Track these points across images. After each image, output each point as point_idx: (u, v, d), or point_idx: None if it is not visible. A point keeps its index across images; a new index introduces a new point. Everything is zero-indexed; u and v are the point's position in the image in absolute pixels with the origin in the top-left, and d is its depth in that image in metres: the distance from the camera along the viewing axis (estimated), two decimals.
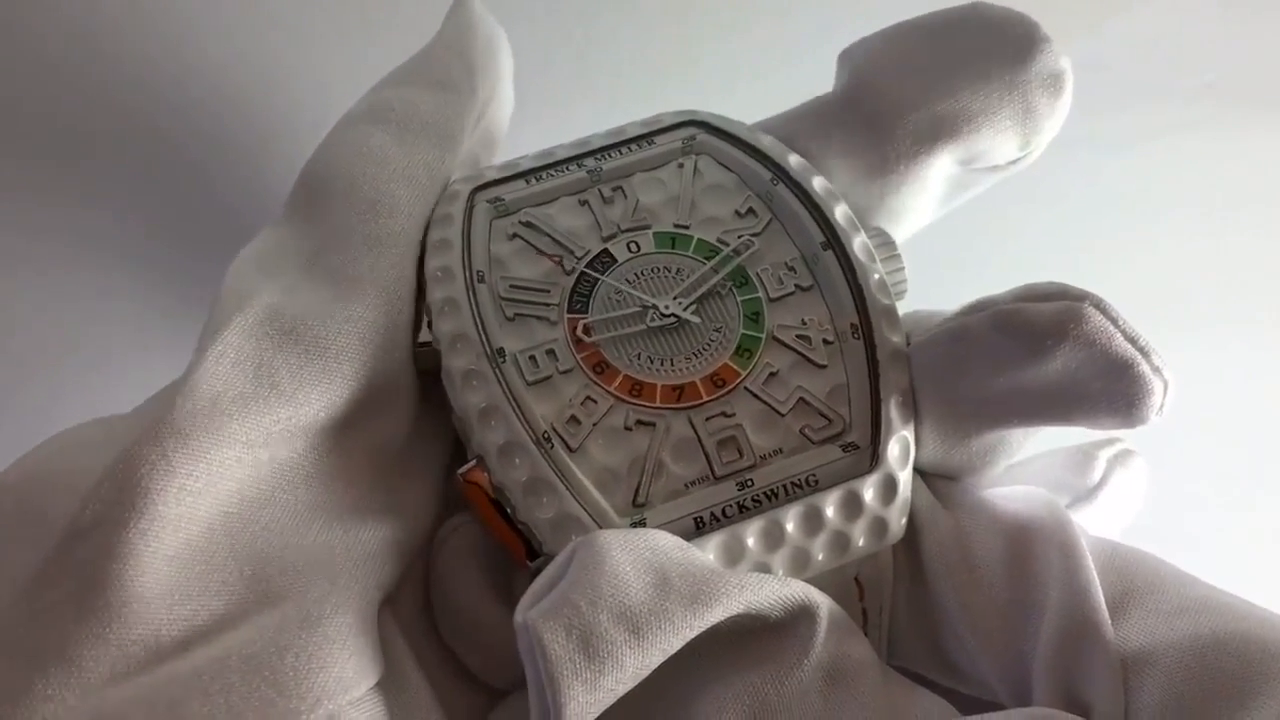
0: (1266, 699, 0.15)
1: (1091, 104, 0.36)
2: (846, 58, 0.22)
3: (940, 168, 0.21)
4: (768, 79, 0.24)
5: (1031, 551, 0.18)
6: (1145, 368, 0.16)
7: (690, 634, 0.15)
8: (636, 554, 0.16)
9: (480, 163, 0.22)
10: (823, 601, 0.17)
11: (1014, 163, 0.22)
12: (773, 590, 0.16)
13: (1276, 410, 0.35)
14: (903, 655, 0.19)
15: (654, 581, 0.15)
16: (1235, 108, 0.36)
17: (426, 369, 0.19)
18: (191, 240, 0.29)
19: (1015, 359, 0.17)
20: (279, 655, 0.15)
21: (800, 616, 0.17)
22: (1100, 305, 0.16)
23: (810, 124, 0.21)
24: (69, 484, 0.16)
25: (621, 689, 0.15)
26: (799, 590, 0.17)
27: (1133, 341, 0.16)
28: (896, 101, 0.20)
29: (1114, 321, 0.16)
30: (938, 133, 0.20)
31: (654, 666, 0.15)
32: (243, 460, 0.16)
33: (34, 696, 0.14)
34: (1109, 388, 0.16)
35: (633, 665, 0.15)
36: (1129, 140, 0.36)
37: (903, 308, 0.21)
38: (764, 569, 0.17)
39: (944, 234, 0.34)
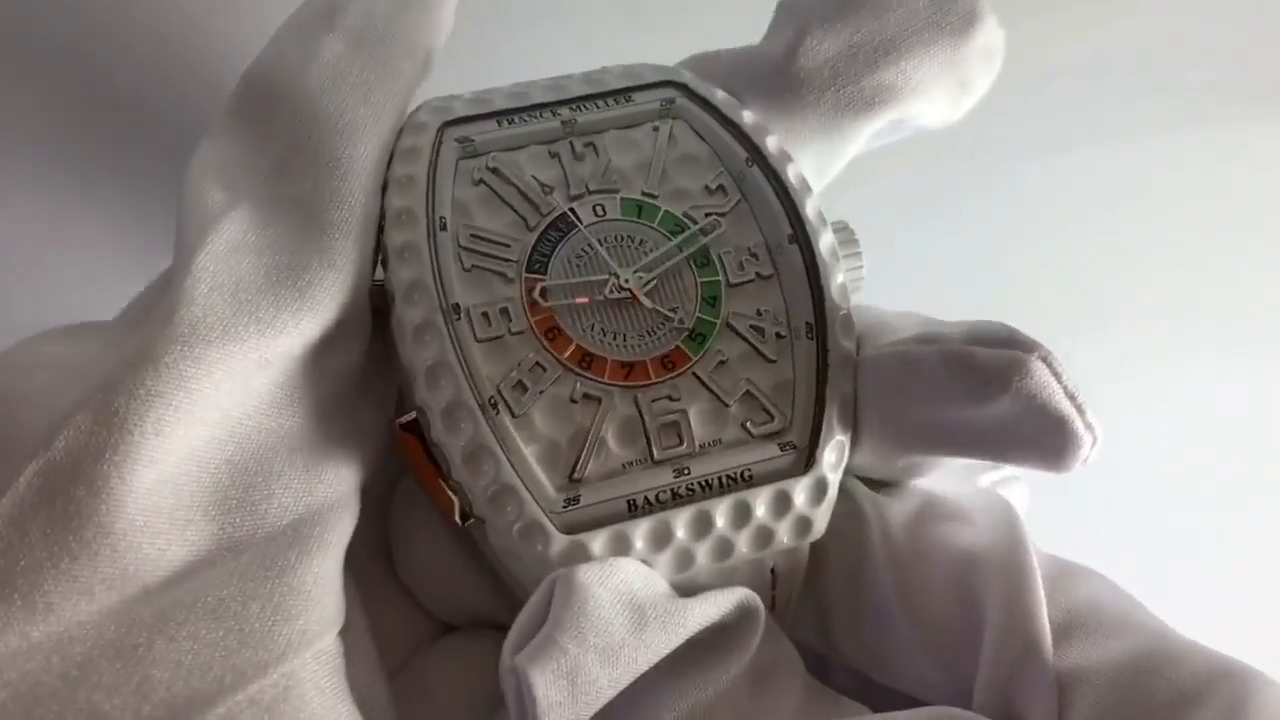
0: None
1: (1091, 104, 0.36)
2: (788, 13, 0.22)
3: (873, 127, 0.21)
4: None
5: (981, 566, 0.18)
6: (1079, 425, 0.16)
7: (659, 657, 0.16)
8: (614, 590, 0.16)
9: (429, 62, 0.20)
10: (761, 606, 0.18)
11: (940, 121, 0.22)
12: (727, 600, 0.17)
13: (1278, 409, 0.35)
14: (844, 652, 0.20)
15: (632, 616, 0.16)
16: (1235, 108, 0.36)
17: (377, 308, 0.19)
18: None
19: (957, 398, 0.17)
20: (244, 604, 0.15)
21: (743, 619, 0.18)
22: (1047, 359, 0.17)
23: (747, 77, 0.21)
24: (35, 403, 0.15)
25: (597, 708, 0.16)
26: (743, 595, 0.18)
27: (1071, 398, 0.16)
28: (840, 68, 0.21)
29: (1057, 377, 0.17)
30: (875, 100, 0.21)
31: (625, 685, 0.16)
32: (220, 389, 0.16)
33: None
34: (1042, 439, 0.17)
35: (609, 692, 0.16)
36: (1129, 140, 0.36)
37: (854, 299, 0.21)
38: (687, 555, 0.18)
39: (944, 234, 0.34)
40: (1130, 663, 0.16)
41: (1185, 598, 0.19)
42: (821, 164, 0.22)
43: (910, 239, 0.34)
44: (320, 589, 0.16)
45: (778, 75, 0.21)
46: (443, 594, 0.19)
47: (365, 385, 0.19)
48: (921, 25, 0.21)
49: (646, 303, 0.19)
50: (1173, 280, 0.35)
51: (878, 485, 0.20)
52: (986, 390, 0.17)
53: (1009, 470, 0.22)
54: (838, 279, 0.20)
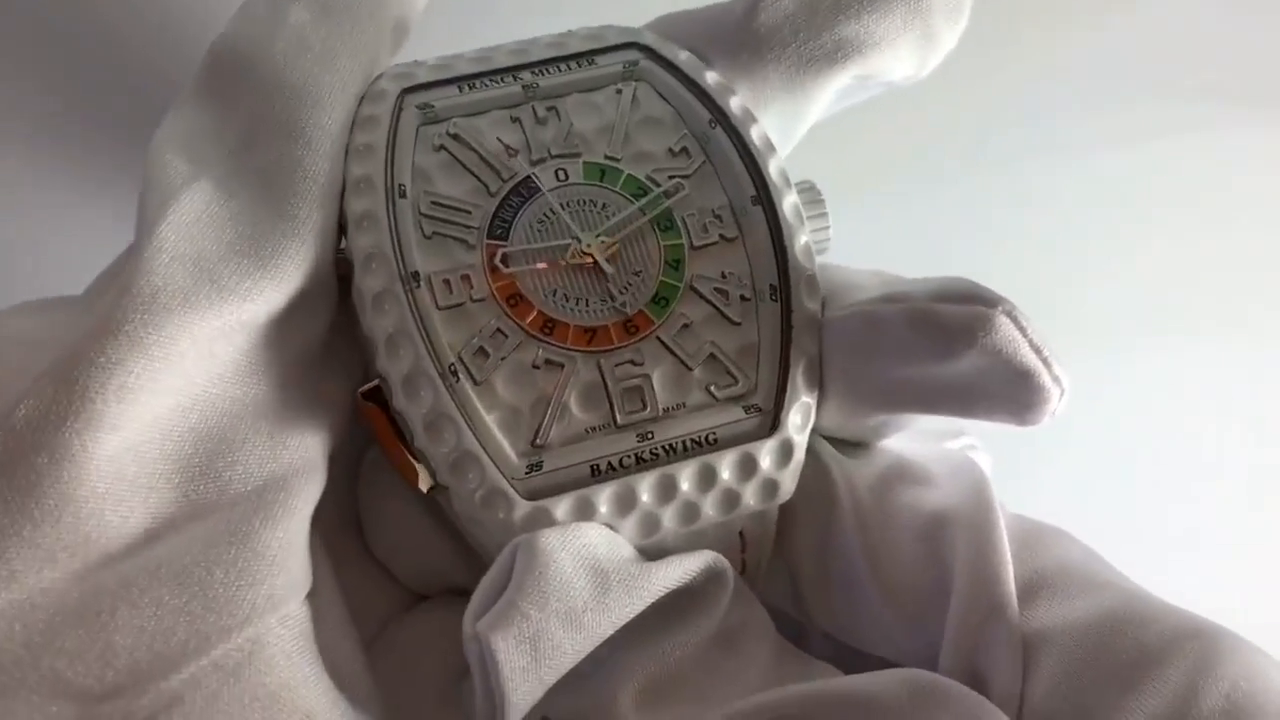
0: (1156, 683, 0.15)
1: (1092, 104, 0.36)
2: None
3: (837, 85, 0.21)
4: None
5: (948, 527, 0.18)
6: (1046, 378, 0.16)
7: (625, 620, 0.16)
8: (577, 554, 0.16)
9: (402, 29, 0.21)
10: (729, 568, 0.18)
11: (907, 78, 0.22)
12: (692, 564, 0.17)
13: (1278, 409, 0.35)
14: (815, 616, 0.20)
15: (595, 580, 0.16)
16: (1235, 108, 0.36)
17: (342, 276, 0.19)
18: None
19: (923, 356, 0.17)
20: (208, 570, 0.15)
21: (710, 581, 0.18)
22: (1011, 314, 0.17)
23: (712, 38, 0.21)
24: (3, 377, 0.15)
25: (562, 673, 0.16)
26: (710, 558, 0.18)
27: (1037, 351, 0.16)
28: (800, 24, 0.20)
29: (1023, 331, 0.16)
30: (837, 55, 0.20)
31: (590, 650, 0.16)
32: (185, 356, 0.16)
33: None
34: (1009, 392, 0.17)
35: (573, 656, 0.16)
36: (1129, 140, 0.36)
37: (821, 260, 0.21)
38: (653, 520, 0.18)
39: (945, 234, 0.34)
40: (1096, 622, 0.16)
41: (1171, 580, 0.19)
42: (785, 124, 0.21)
43: (908, 240, 0.33)
44: (285, 554, 0.16)
45: (740, 33, 0.21)
46: (414, 564, 0.19)
47: (331, 354, 0.19)
48: None
49: (607, 268, 0.19)
50: (1171, 281, 0.35)
51: (845, 446, 0.20)
52: (952, 347, 0.17)
53: (969, 439, 0.22)
54: (801, 240, 0.20)
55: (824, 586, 0.19)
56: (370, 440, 0.19)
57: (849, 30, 0.20)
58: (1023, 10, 0.36)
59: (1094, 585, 0.17)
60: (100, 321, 0.15)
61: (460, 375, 0.18)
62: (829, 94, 0.21)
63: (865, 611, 0.19)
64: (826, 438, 0.20)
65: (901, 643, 0.18)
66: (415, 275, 0.18)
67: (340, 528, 0.19)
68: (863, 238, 0.26)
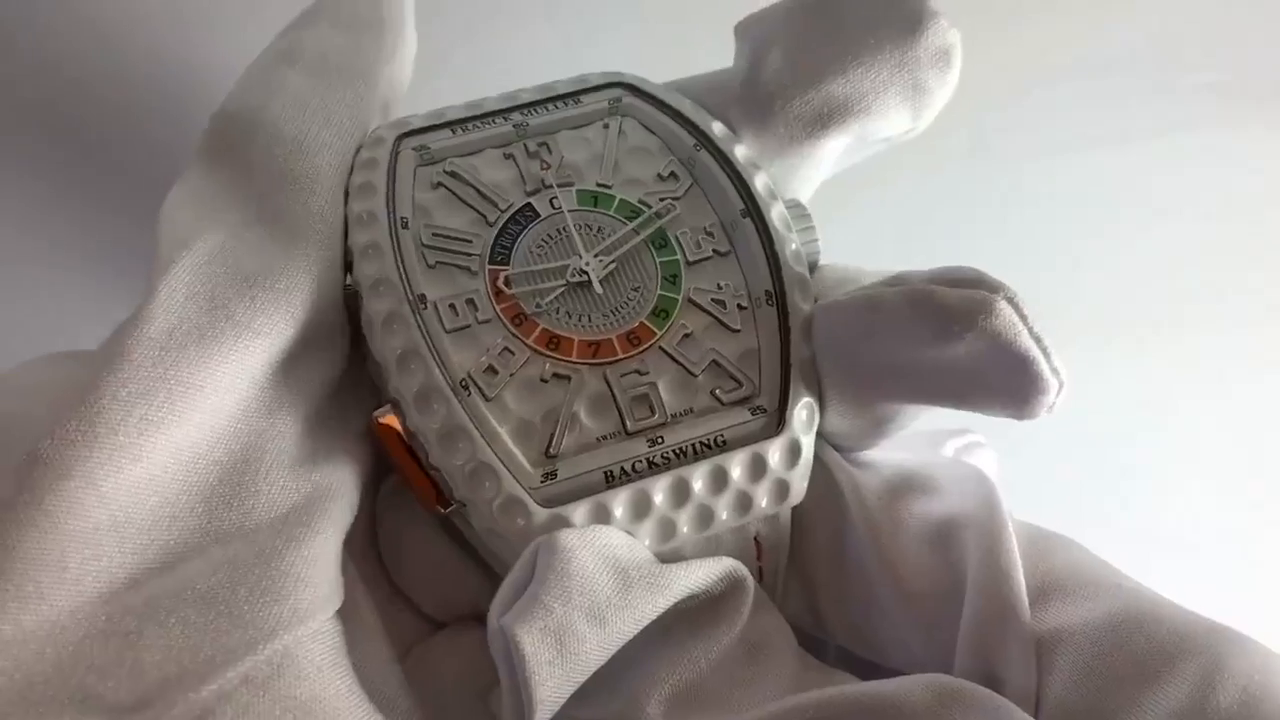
0: (1172, 678, 0.16)
1: (1092, 104, 0.36)
2: (743, 34, 0.22)
3: (834, 145, 0.21)
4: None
5: (959, 532, 0.18)
6: (1045, 367, 0.16)
7: (647, 620, 0.17)
8: (598, 553, 0.17)
9: (389, 109, 0.22)
10: (749, 576, 0.18)
11: (906, 132, 0.22)
12: (712, 569, 0.18)
13: (1276, 408, 0.35)
14: (832, 627, 0.20)
15: (616, 577, 0.16)
16: (1235, 107, 0.36)
17: (354, 314, 0.19)
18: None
19: (921, 338, 0.17)
20: (232, 589, 0.15)
21: (732, 589, 0.18)
22: (1012, 300, 0.17)
23: (710, 102, 0.22)
24: (34, 422, 0.16)
25: (589, 673, 0.16)
26: (730, 565, 0.18)
27: (1037, 340, 0.16)
28: (788, 85, 0.21)
29: (1023, 318, 0.16)
30: (830, 115, 0.21)
31: (614, 650, 0.16)
32: (204, 389, 0.16)
33: None
34: (1007, 380, 0.17)
35: (598, 655, 0.16)
36: (1129, 140, 0.36)
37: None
38: (669, 524, 0.18)
39: (945, 235, 0.34)
40: (1108, 622, 0.16)
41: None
42: (794, 183, 0.22)
43: (908, 241, 0.34)
44: (310, 570, 0.16)
45: (741, 97, 0.21)
46: (434, 591, 0.20)
47: (351, 388, 0.19)
48: (867, 32, 0.20)
49: (598, 289, 0.20)
50: (1172, 281, 0.35)
51: (851, 457, 0.20)
52: (950, 328, 0.17)
53: (975, 436, 0.22)
54: (792, 246, 0.20)
55: (839, 595, 0.20)
56: (386, 470, 0.19)
57: (836, 87, 0.20)
58: (1023, 10, 0.36)
59: (1104, 587, 0.17)
60: (120, 356, 0.16)
61: (472, 391, 0.18)
62: (829, 152, 0.22)
63: (881, 618, 0.19)
64: (833, 447, 0.20)
65: (917, 649, 0.18)
66: (422, 298, 0.19)
67: (362, 555, 0.19)
68: (861, 235, 0.26)
